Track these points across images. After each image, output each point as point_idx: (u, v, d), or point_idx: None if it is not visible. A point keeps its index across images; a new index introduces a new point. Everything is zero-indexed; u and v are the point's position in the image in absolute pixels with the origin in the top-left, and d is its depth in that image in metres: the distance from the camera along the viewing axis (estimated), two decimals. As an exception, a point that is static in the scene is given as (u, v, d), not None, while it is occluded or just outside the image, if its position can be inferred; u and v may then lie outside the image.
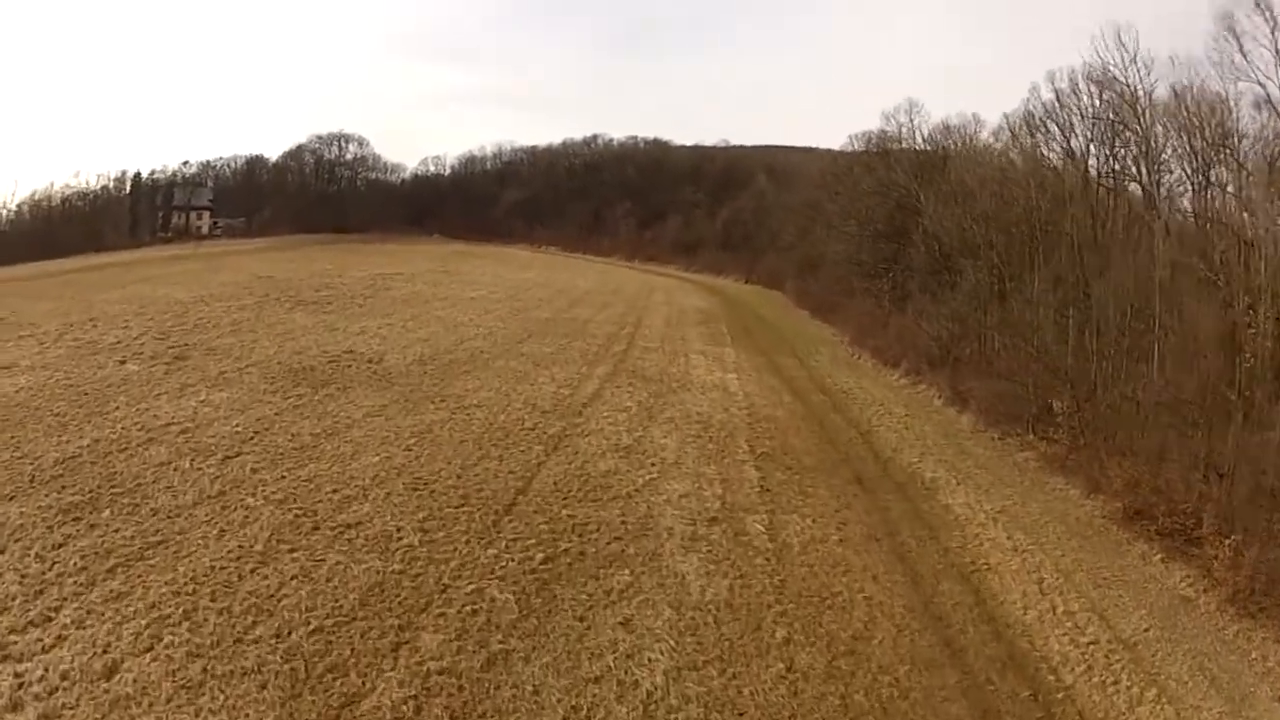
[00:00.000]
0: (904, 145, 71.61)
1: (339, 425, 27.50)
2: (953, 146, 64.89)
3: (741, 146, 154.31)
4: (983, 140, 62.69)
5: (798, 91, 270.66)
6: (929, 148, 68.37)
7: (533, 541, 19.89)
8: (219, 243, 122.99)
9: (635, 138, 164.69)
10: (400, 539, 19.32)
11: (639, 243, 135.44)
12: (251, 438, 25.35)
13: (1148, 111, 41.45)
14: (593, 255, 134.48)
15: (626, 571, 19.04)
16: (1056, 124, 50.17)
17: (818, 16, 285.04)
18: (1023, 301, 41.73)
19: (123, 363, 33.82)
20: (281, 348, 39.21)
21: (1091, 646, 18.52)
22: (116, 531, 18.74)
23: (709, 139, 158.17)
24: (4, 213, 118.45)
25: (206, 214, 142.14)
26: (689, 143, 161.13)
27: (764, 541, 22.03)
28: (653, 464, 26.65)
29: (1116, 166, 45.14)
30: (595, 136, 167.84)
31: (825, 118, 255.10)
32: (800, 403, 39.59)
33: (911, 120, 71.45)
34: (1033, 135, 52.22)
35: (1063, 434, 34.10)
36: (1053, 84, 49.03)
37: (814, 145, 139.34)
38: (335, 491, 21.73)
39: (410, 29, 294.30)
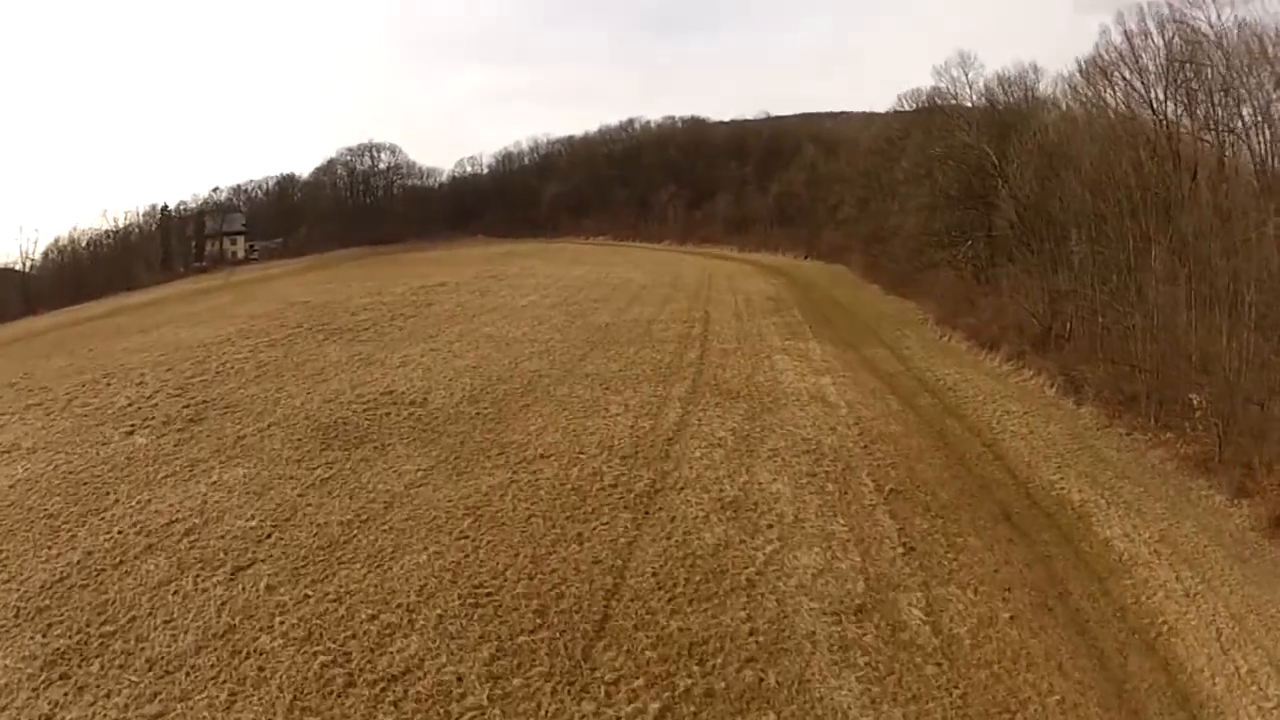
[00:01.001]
0: (959, 102, 65.95)
1: (375, 506, 22.43)
2: (1011, 99, 58.96)
3: (784, 117, 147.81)
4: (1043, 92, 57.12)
5: (836, 56, 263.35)
6: (987, 101, 62.39)
7: (640, 682, 14.69)
8: (254, 268, 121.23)
9: (673, 118, 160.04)
10: (463, 696, 14.25)
11: (689, 225, 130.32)
12: (268, 535, 20.48)
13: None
14: (644, 242, 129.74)
15: (772, 716, 13.87)
16: (1131, 70, 45.19)
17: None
18: (1136, 273, 36.73)
19: (130, 433, 29.46)
20: (311, 395, 34.59)
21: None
22: (108, 697, 14.69)
23: (748, 112, 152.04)
24: (30, 261, 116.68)
25: (241, 239, 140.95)
26: (727, 118, 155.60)
27: (927, 636, 16.97)
28: (769, 525, 21.30)
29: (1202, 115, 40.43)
30: (631, 121, 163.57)
31: (867, 80, 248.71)
32: (910, 409, 34.05)
33: (966, 75, 65.45)
34: (1105, 81, 47.01)
35: (1199, 429, 29.03)
36: (1122, 26, 44.19)
37: (858, 109, 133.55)
38: (373, 618, 16.68)
39: (429, 32, 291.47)
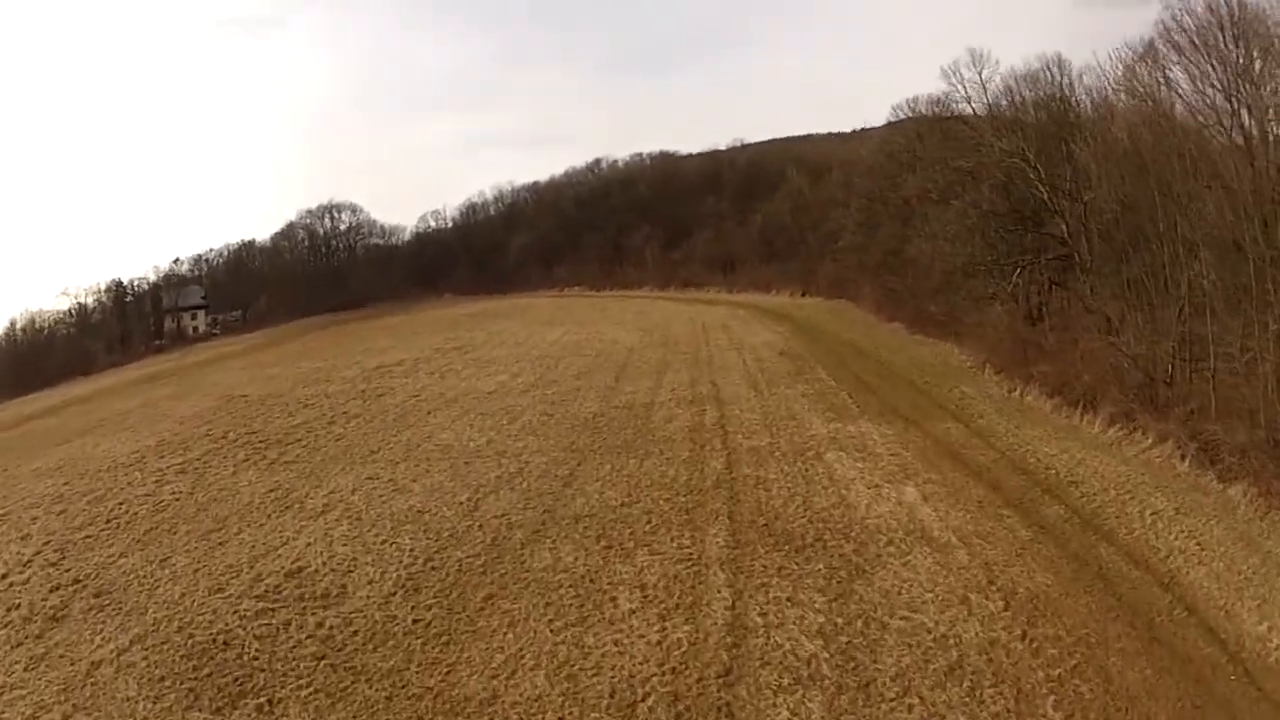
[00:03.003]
0: (972, 105, 56.59)
1: None
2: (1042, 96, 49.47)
3: (760, 144, 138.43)
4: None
5: (808, 77, 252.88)
6: (1010, 102, 52.87)
7: None
8: (211, 345, 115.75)
9: (640, 154, 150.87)
10: None
11: (668, 267, 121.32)
12: None
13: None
14: (621, 290, 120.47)
15: None
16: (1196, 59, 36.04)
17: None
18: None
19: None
20: (197, 578, 24.09)
21: None
22: None
23: (721, 142, 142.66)
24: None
25: (201, 313, 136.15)
26: (698, 150, 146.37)
27: None
28: None
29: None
30: (598, 161, 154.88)
31: (844, 100, 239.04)
32: (1042, 533, 23.59)
33: (980, 74, 55.93)
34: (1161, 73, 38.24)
35: None
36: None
37: (840, 129, 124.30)
38: None
39: (385, 84, 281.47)
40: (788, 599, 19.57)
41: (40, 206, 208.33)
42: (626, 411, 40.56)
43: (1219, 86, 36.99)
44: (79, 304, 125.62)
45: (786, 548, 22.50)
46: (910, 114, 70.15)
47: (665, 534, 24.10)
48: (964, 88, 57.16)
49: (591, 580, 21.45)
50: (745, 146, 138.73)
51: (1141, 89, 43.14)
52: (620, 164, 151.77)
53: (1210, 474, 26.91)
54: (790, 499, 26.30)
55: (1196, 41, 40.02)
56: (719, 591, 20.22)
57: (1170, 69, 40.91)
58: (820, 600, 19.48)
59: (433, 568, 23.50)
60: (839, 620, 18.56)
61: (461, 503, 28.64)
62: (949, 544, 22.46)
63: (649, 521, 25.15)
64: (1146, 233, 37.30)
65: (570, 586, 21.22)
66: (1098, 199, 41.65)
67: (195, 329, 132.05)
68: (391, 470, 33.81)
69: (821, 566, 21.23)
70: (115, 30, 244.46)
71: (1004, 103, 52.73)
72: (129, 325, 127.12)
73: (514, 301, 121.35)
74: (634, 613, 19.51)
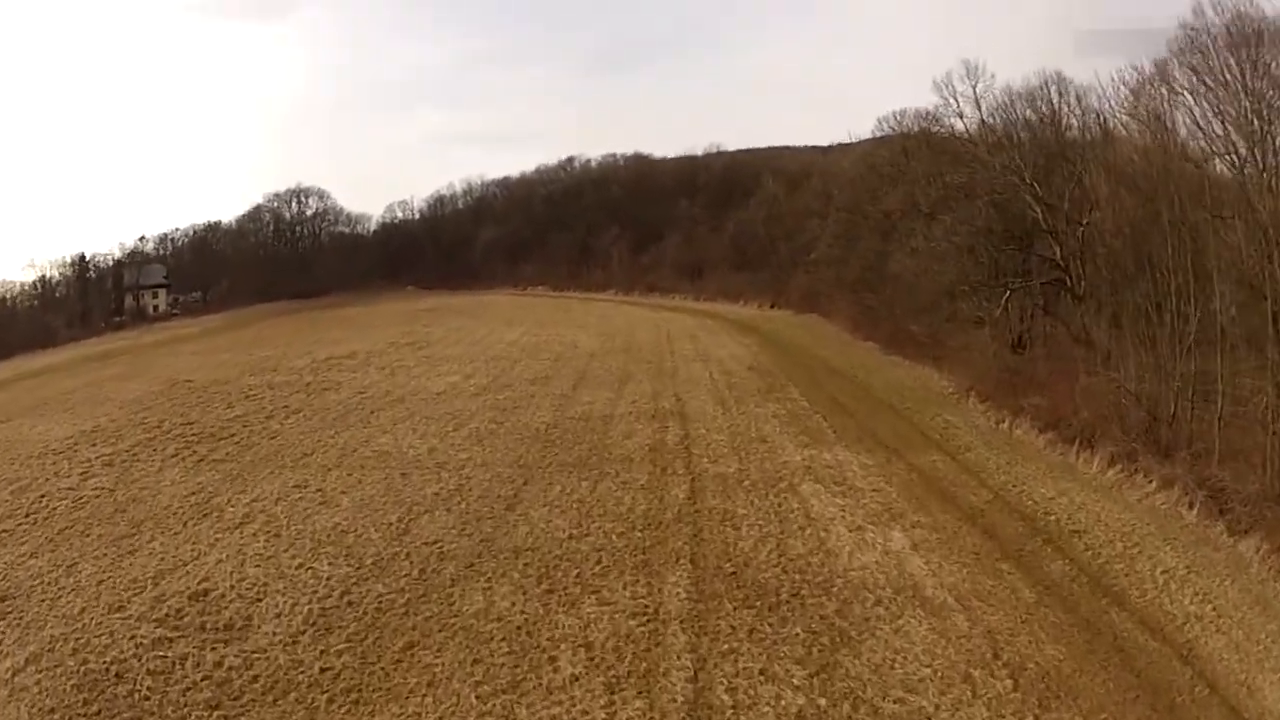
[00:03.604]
0: (965, 120, 54.09)
1: None
2: (1042, 114, 46.99)
3: (739, 151, 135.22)
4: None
5: (793, 87, 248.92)
6: (1004, 120, 50.31)
7: None
8: (169, 326, 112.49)
9: (614, 154, 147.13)
10: None
11: (635, 270, 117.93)
12: None
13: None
14: (586, 292, 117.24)
15: None
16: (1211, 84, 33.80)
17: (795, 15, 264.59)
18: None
19: None
20: (99, 593, 21.30)
21: None
22: None
23: (697, 148, 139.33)
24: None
25: (163, 292, 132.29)
26: (674, 154, 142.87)
27: None
28: None
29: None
30: (571, 159, 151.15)
31: (828, 112, 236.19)
32: (1047, 594, 20.73)
33: (974, 88, 53.31)
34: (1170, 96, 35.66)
35: None
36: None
37: (820, 143, 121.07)
38: None
39: (362, 73, 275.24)
40: (761, 671, 16.39)
41: (9, 177, 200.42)
42: (582, 424, 37.38)
43: (1235, 113, 34.95)
44: (43, 277, 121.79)
45: (759, 604, 19.31)
46: (897, 126, 67.48)
47: (617, 578, 20.84)
48: (956, 100, 54.65)
49: (529, 634, 18.16)
50: (722, 153, 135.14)
51: (1147, 112, 40.92)
52: (593, 163, 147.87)
53: (1219, 525, 24.65)
54: (762, 541, 23.17)
55: (1214, 64, 37.78)
56: (679, 658, 16.97)
57: (1181, 92, 38.80)
58: (799, 674, 16.34)
59: (349, 603, 20.28)
60: (822, 702, 15.45)
61: (391, 523, 25.35)
62: (946, 606, 19.41)
63: (599, 561, 21.91)
64: (1152, 261, 34.86)
65: (504, 640, 17.93)
66: (1097, 222, 39.18)
67: (156, 308, 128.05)
68: (322, 478, 30.59)
69: (800, 630, 18.06)
70: (93, 5, 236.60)
71: (998, 119, 50.15)
72: (90, 301, 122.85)
73: (476, 298, 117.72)
74: (576, 680, 16.24)
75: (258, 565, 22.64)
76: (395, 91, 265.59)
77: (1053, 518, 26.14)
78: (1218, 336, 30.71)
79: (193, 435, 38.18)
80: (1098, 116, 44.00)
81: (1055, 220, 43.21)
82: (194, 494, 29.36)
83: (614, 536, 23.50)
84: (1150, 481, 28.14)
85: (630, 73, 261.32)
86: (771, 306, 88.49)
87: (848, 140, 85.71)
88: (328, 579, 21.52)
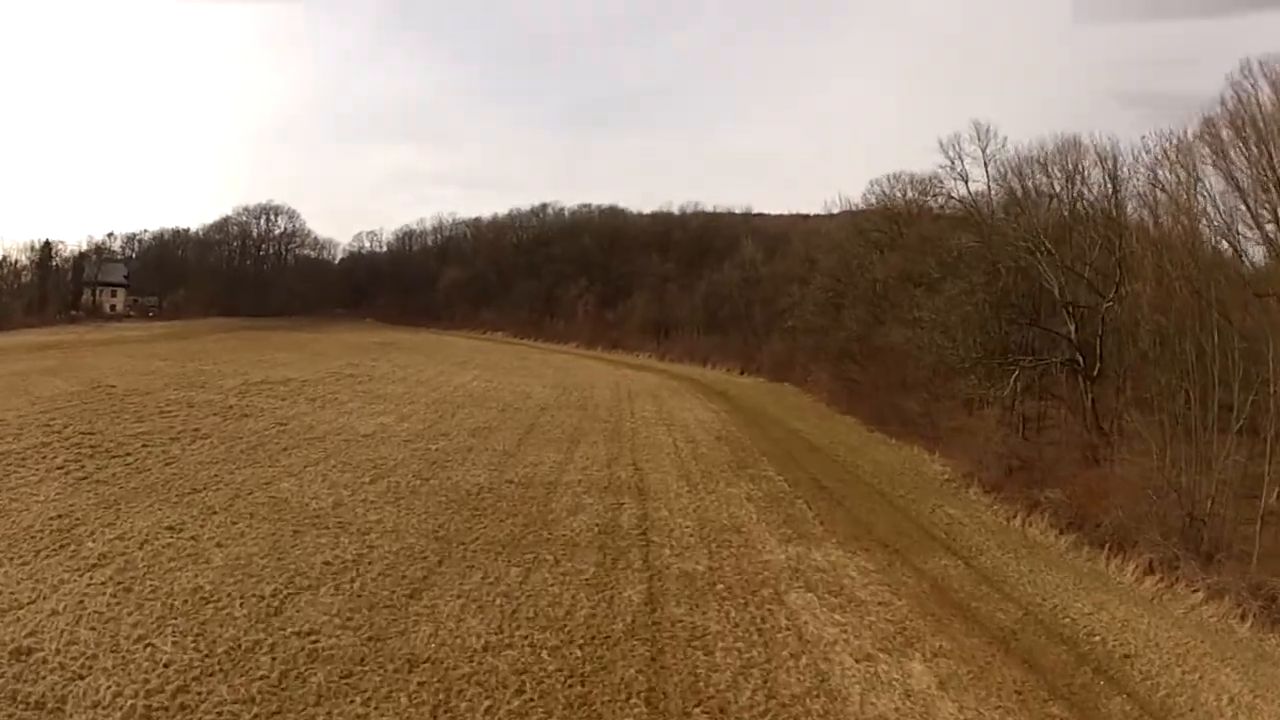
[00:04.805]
0: (970, 187, 50.08)
1: None
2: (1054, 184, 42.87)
3: (717, 212, 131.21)
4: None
5: (775, 155, 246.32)
6: (1011, 189, 46.12)
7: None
8: (119, 326, 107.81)
9: (589, 205, 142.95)
10: None
11: (600, 325, 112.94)
12: None
13: None
14: (546, 342, 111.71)
15: None
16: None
17: (777, 81, 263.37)
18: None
19: None
20: None
21: None
22: None
23: (674, 205, 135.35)
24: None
25: (121, 291, 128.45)
26: (650, 210, 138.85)
27: None
28: None
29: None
30: (544, 206, 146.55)
31: (811, 182, 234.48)
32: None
33: (983, 150, 49.24)
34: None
35: None
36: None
37: (801, 211, 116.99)
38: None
39: (345, 100, 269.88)
40: None
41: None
42: (521, 490, 31.42)
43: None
44: (5, 257, 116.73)
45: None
46: (890, 190, 63.31)
47: None
48: (962, 162, 50.47)
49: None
50: (699, 212, 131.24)
51: (1181, 182, 36.88)
52: (567, 212, 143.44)
53: (1274, 637, 22.12)
54: (743, 672, 17.18)
55: (1263, 131, 34.03)
56: None
57: (1218, 163, 34.91)
58: None
59: (181, 706, 14.26)
60: None
61: (263, 597, 19.27)
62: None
63: (520, 692, 15.71)
64: (1185, 346, 30.35)
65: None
66: (1132, 296, 34.52)
67: (114, 307, 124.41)
68: (201, 522, 24.66)
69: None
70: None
71: (1014, 183, 45.79)
72: (49, 290, 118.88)
73: (435, 337, 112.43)
74: None
75: (93, 628, 17.12)
76: (376, 122, 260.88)
77: (1097, 639, 21.34)
78: (1269, 425, 26.35)
79: (89, 446, 33.15)
80: (1117, 184, 40.00)
81: (1076, 293, 38.54)
82: (61, 517, 24.19)
83: (544, 653, 17.37)
84: (1194, 591, 24.58)
85: (611, 126, 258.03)
86: (742, 372, 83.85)
87: (835, 209, 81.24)
88: (165, 665, 15.69)
